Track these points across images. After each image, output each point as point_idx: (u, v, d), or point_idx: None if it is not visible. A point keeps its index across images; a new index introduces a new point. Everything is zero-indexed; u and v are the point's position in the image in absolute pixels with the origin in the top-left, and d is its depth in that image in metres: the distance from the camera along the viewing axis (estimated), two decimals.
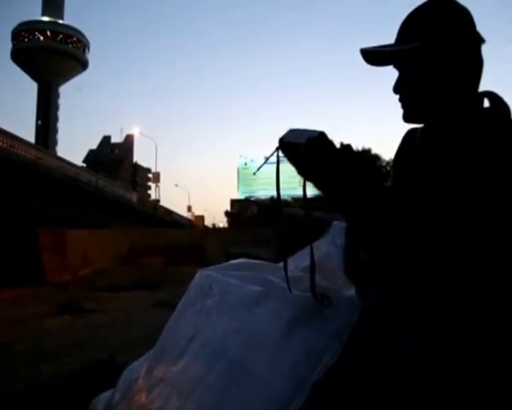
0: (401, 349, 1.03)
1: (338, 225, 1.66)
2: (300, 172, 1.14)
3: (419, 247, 1.07)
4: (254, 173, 1.36)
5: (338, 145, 1.11)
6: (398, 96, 1.21)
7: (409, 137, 1.31)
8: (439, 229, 1.05)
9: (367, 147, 37.17)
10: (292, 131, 1.13)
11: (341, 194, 1.10)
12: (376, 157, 36.11)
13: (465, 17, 1.14)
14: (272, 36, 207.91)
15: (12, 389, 2.91)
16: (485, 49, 1.14)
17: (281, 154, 1.16)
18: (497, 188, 1.01)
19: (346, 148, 1.12)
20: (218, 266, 1.54)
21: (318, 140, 1.09)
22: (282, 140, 1.14)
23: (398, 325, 1.08)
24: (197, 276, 1.50)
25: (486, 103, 1.15)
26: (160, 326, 1.52)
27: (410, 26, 1.17)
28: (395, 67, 1.21)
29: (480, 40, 1.14)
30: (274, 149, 1.17)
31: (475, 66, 1.15)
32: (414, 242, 1.07)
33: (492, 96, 1.14)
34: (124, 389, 1.46)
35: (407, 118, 1.22)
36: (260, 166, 1.33)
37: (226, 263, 1.56)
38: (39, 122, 73.83)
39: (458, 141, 1.09)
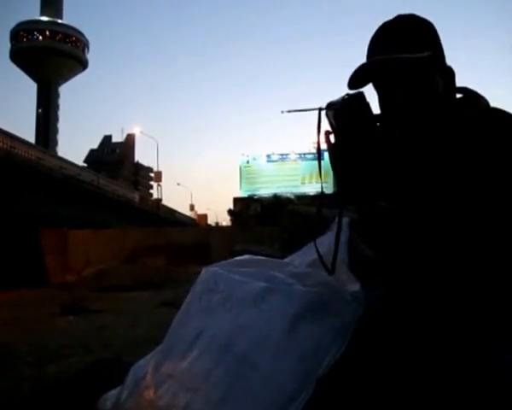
0: None
1: (342, 222, 1.66)
2: (337, 137, 1.14)
3: (422, 243, 1.07)
4: (283, 112, 1.29)
5: None
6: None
7: None
8: (441, 222, 1.05)
9: None
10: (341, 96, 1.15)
11: (371, 157, 1.10)
12: None
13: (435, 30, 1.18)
14: (274, 33, 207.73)
15: (18, 390, 2.92)
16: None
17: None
18: (492, 174, 1.02)
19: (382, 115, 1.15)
20: (224, 262, 1.55)
21: (355, 96, 1.11)
22: (328, 104, 1.15)
23: (404, 322, 1.09)
24: (203, 272, 1.51)
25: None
26: (164, 326, 1.53)
27: (409, 36, 1.14)
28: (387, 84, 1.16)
29: None
30: (317, 107, 1.16)
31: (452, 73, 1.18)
32: (417, 238, 1.08)
33: (466, 90, 1.17)
34: (132, 385, 1.47)
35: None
36: (295, 110, 1.28)
37: (231, 260, 1.57)
38: (39, 111, 73.76)
39: (445, 135, 1.10)
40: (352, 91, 1.12)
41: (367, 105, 1.11)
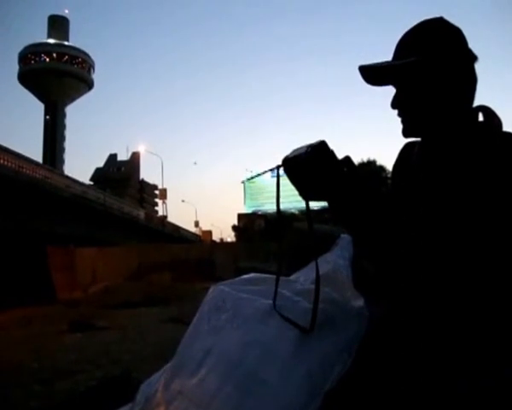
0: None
1: (346, 238, 1.69)
2: (302, 190, 1.16)
3: (421, 261, 1.08)
4: (244, 180, 1.32)
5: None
6: (396, 112, 1.24)
7: (406, 151, 1.34)
8: (443, 243, 1.06)
9: (372, 158, 37.10)
10: (294, 150, 1.15)
11: (343, 204, 1.12)
12: (381, 168, 36.00)
13: (457, 35, 1.19)
14: (278, 51, 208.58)
15: (28, 406, 2.94)
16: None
17: (281, 172, 1.17)
18: (496, 199, 1.03)
19: (346, 159, 1.14)
20: (230, 281, 1.57)
21: (319, 147, 1.09)
22: (284, 159, 1.16)
23: (407, 336, 1.10)
24: (210, 291, 1.53)
25: (481, 118, 1.19)
26: (171, 342, 1.54)
27: (406, 43, 1.22)
28: (393, 84, 1.24)
29: (473, 57, 1.19)
30: (275, 166, 1.18)
31: (469, 81, 1.19)
32: (416, 256, 1.09)
33: (486, 110, 1.19)
34: (142, 402, 1.48)
35: (406, 133, 1.25)
36: (257, 175, 1.29)
37: (238, 278, 1.58)
38: (47, 128, 74.19)
39: (455, 155, 1.13)
40: (313, 142, 1.11)
41: (332, 153, 1.11)
